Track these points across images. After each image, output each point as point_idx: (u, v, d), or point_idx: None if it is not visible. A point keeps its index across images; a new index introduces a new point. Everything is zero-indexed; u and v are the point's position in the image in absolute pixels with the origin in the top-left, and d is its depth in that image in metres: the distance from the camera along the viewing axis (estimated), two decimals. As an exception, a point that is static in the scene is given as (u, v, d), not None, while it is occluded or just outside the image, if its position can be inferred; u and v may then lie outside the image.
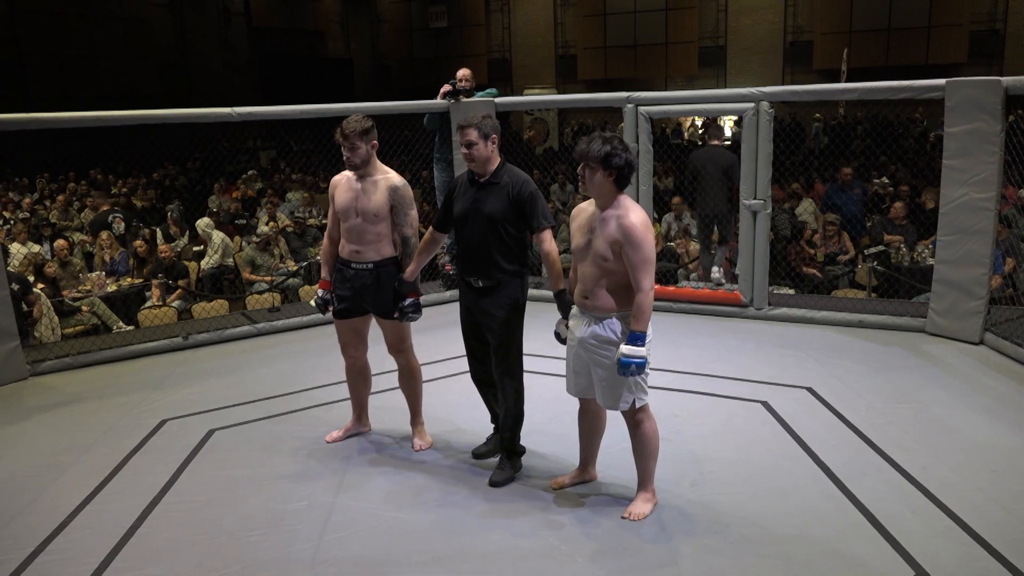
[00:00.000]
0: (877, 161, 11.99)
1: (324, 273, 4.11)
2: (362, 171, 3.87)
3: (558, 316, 3.56)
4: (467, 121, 3.61)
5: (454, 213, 3.74)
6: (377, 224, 3.86)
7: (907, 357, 5.26)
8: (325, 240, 4.14)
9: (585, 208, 3.36)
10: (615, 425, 3.69)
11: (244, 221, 10.48)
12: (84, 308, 7.28)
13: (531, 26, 25.35)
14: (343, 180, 3.96)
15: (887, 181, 10.38)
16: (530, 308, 3.81)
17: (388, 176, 3.90)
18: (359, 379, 4.25)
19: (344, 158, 3.83)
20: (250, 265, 8.62)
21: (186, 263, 8.76)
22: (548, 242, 3.61)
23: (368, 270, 3.91)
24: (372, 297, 3.93)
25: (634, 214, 3.17)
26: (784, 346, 5.55)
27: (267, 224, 9.56)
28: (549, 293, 3.86)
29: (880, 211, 8.86)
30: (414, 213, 3.94)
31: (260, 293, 7.75)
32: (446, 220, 3.82)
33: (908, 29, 20.28)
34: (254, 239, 8.87)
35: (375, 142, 3.86)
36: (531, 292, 3.93)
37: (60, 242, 8.21)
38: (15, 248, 8.35)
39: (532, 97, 17.13)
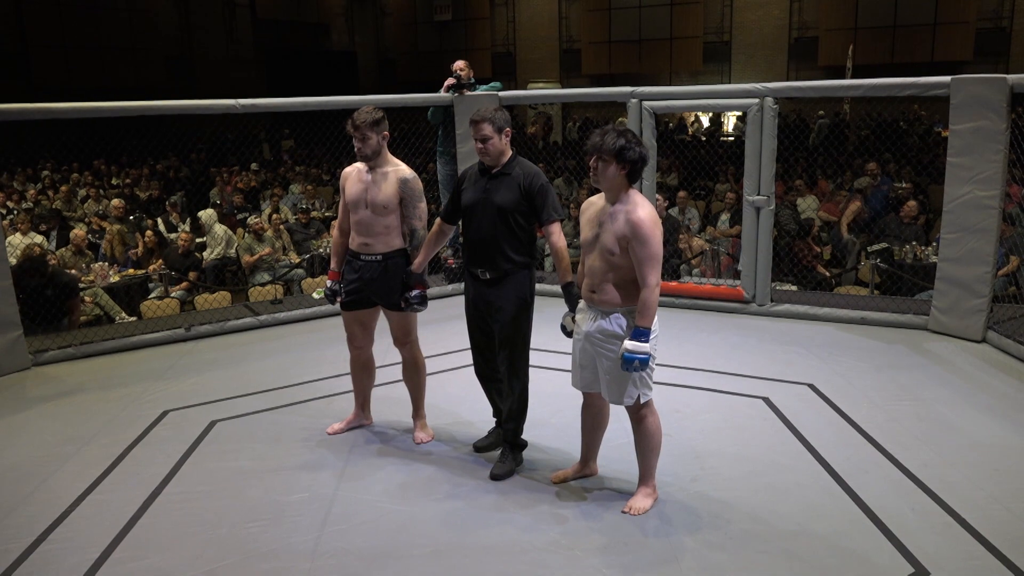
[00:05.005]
0: (882, 157, 11.94)
1: (334, 264, 4.11)
2: (373, 162, 3.87)
3: (561, 310, 3.55)
4: (480, 116, 3.58)
5: (463, 203, 3.72)
6: (386, 216, 3.86)
7: (909, 355, 5.26)
8: (335, 231, 4.14)
9: (595, 202, 3.36)
10: (616, 420, 3.70)
11: (247, 214, 10.47)
12: (87, 299, 7.27)
13: (535, 20, 25.27)
14: (354, 172, 3.97)
15: (902, 184, 10.34)
16: (535, 302, 3.80)
17: (398, 168, 3.89)
18: (363, 372, 4.26)
19: (355, 149, 3.84)
20: (248, 252, 8.63)
21: (197, 255, 8.76)
22: (557, 235, 3.60)
23: (377, 262, 3.91)
24: (379, 288, 3.93)
25: (642, 209, 3.16)
26: (786, 342, 5.55)
27: (269, 216, 9.57)
28: (551, 287, 3.84)
29: (896, 210, 8.84)
30: (423, 205, 3.93)
31: (262, 285, 7.75)
32: (454, 211, 3.81)
33: (913, 26, 20.18)
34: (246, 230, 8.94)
35: (386, 133, 3.86)
36: (536, 286, 3.92)
37: (78, 232, 8.17)
38: (16, 239, 8.27)
39: (536, 91, 17.10)
